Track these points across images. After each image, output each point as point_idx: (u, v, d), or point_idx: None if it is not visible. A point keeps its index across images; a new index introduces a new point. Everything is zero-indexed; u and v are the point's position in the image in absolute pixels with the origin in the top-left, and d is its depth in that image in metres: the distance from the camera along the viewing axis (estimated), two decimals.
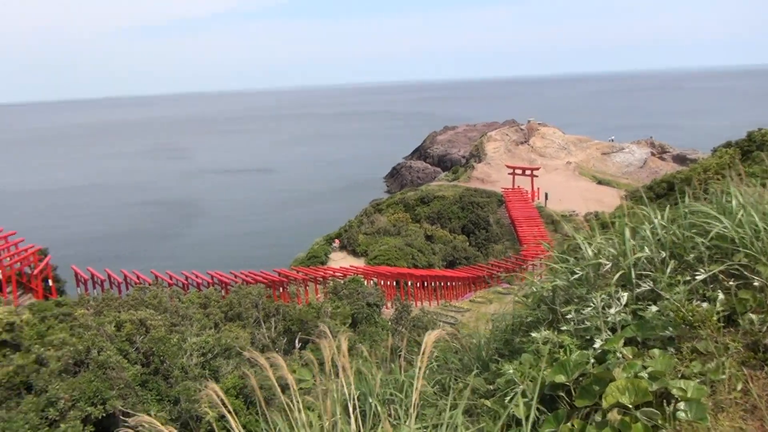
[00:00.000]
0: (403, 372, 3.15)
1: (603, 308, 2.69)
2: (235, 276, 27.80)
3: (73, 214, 75.88)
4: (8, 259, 22.37)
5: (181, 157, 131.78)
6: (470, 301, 30.02)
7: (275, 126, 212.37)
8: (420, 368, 2.29)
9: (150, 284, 23.51)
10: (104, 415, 9.25)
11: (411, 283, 30.69)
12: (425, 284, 31.20)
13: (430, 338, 2.33)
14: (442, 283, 32.20)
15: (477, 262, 40.59)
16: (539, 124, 76.06)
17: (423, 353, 2.30)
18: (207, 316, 16.41)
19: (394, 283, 30.24)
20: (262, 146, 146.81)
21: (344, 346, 2.42)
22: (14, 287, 21.19)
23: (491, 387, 2.77)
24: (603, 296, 2.74)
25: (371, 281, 28.62)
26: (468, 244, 46.17)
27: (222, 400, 2.14)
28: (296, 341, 16.73)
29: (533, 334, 2.82)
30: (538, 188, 53.23)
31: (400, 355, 3.42)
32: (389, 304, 27.07)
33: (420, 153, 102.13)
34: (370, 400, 2.64)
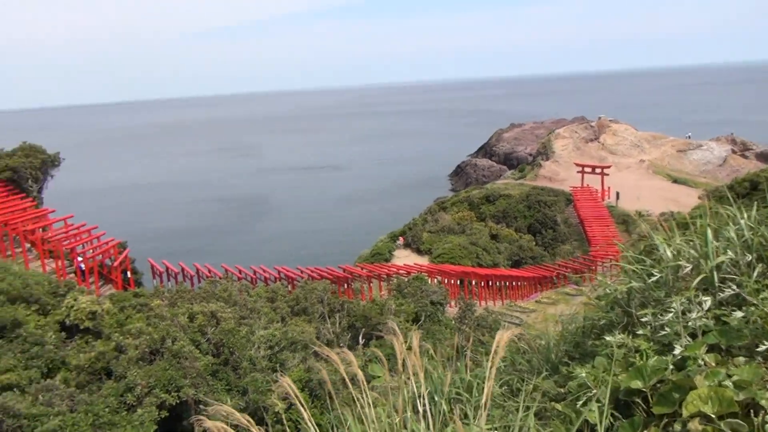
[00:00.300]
0: (468, 371, 3.12)
1: (683, 313, 2.57)
2: (301, 271, 28.34)
3: (149, 210, 79.53)
4: (91, 251, 23.67)
5: (250, 155, 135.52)
6: (536, 301, 29.42)
7: (341, 124, 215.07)
8: (491, 368, 2.26)
9: (220, 278, 24.33)
10: (178, 402, 9.63)
11: (475, 282, 30.38)
12: (490, 283, 30.81)
13: (503, 338, 2.29)
14: (507, 283, 31.71)
15: (543, 262, 39.75)
16: (610, 120, 73.58)
17: (495, 353, 2.26)
18: (274, 310, 16.81)
19: (458, 282, 30.02)
20: (328, 144, 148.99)
21: (416, 344, 2.42)
22: (96, 278, 22.38)
23: (562, 390, 2.71)
24: (683, 300, 2.62)
25: (435, 279, 28.51)
26: (534, 243, 45.28)
27: (295, 393, 2.17)
28: (360, 337, 16.90)
29: (607, 338, 2.73)
30: (609, 187, 51.55)
31: (465, 355, 3.39)
32: (453, 303, 26.90)
33: (485, 151, 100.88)
34: (437, 399, 2.63)
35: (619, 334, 2.72)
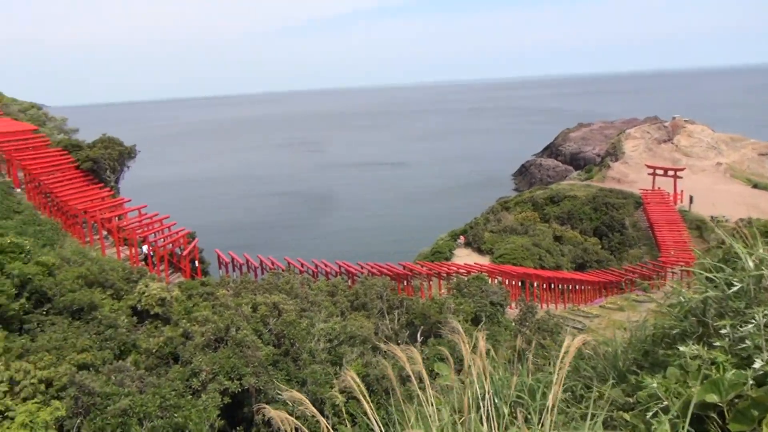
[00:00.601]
0: (530, 375, 3.06)
1: (765, 325, 2.43)
2: (362, 267, 28.57)
3: (218, 202, 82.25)
4: (162, 240, 24.68)
5: (318, 150, 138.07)
6: (600, 306, 28.58)
7: (407, 121, 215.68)
8: (559, 372, 2.21)
9: (283, 270, 24.85)
10: (239, 390, 9.90)
11: (537, 284, 29.80)
12: (552, 286, 30.15)
13: (574, 343, 2.23)
14: (571, 286, 30.94)
15: (609, 267, 38.55)
16: (686, 121, 70.38)
17: (563, 358, 2.21)
18: (334, 304, 17.03)
19: (520, 283, 29.54)
20: (394, 141, 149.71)
21: (482, 346, 2.39)
22: (166, 266, 23.34)
23: (630, 400, 2.61)
24: (765, 312, 2.48)
25: (496, 280, 28.18)
26: (600, 247, 43.97)
27: (360, 387, 2.19)
28: (418, 334, 16.90)
29: (680, 348, 2.61)
30: (682, 190, 49.40)
31: (527, 358, 3.33)
32: (513, 305, 26.50)
33: (551, 150, 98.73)
34: (497, 402, 2.59)
35: (693, 344, 2.60)
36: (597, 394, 2.67)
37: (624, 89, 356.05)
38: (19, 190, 25.11)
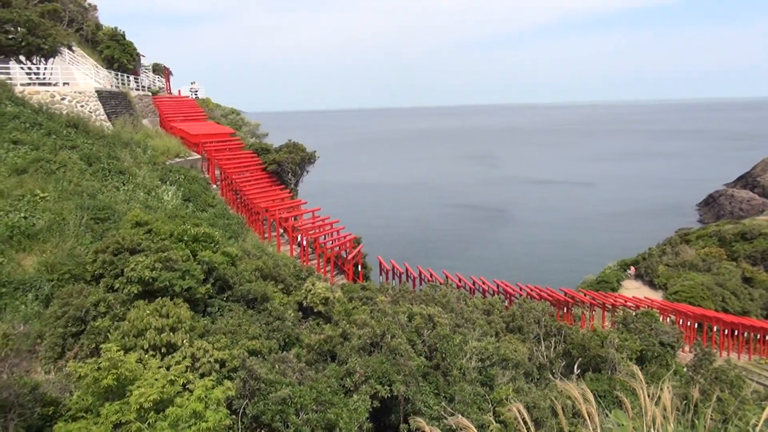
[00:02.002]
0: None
1: None
2: (521, 288, 27.87)
3: (387, 209, 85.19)
4: (331, 242, 26.14)
5: (490, 165, 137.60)
6: None
7: (588, 140, 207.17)
8: None
9: (441, 283, 25.06)
10: (389, 396, 10.15)
11: (717, 329, 26.84)
12: (735, 333, 26.94)
13: None
14: (759, 336, 27.41)
15: None
16: None
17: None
18: (489, 324, 16.80)
19: (696, 326, 26.83)
20: (574, 160, 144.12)
21: (667, 401, 2.20)
22: (332, 268, 24.69)
23: None
24: None
25: (668, 318, 25.97)
26: None
27: (525, 421, 2.14)
28: (575, 366, 16.05)
29: None
30: None
31: (705, 413, 3.03)
32: (687, 348, 24.21)
33: (746, 181, 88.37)
34: None
35: None
36: None
37: None
38: (215, 186, 28.18)
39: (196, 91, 44.34)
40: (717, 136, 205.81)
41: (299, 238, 25.23)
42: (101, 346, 7.94)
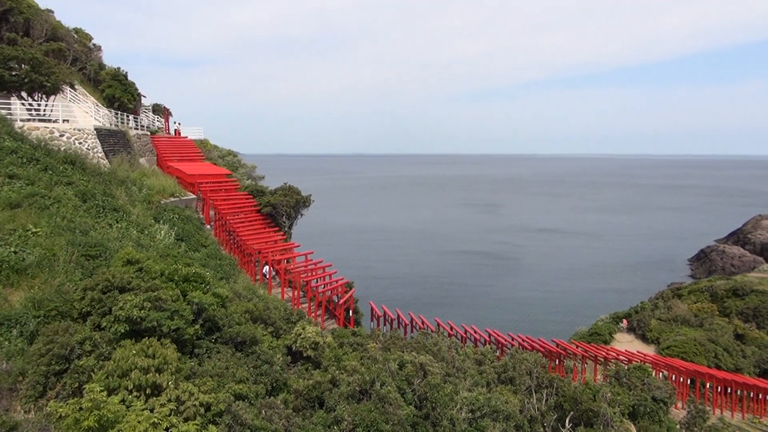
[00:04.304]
0: None
1: None
2: (513, 338, 27.62)
3: (381, 254, 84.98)
4: (323, 286, 25.96)
5: (489, 213, 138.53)
6: None
7: (587, 192, 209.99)
8: None
9: (432, 331, 24.82)
10: None
11: (710, 386, 26.55)
12: (728, 390, 26.64)
13: None
14: (752, 394, 27.10)
15: None
16: None
17: None
18: (480, 374, 16.58)
19: (689, 382, 26.56)
20: (568, 210, 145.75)
21: None
22: (323, 312, 24.44)
23: None
24: None
25: (660, 373, 25.74)
26: None
27: None
28: (567, 420, 15.76)
29: None
30: None
31: None
32: (679, 404, 23.91)
33: (738, 237, 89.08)
34: None
35: None
36: None
37: None
38: (208, 226, 28.12)
39: (177, 131, 44.33)
40: (709, 192, 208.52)
41: (266, 269, 25.26)
42: (84, 385, 7.76)
